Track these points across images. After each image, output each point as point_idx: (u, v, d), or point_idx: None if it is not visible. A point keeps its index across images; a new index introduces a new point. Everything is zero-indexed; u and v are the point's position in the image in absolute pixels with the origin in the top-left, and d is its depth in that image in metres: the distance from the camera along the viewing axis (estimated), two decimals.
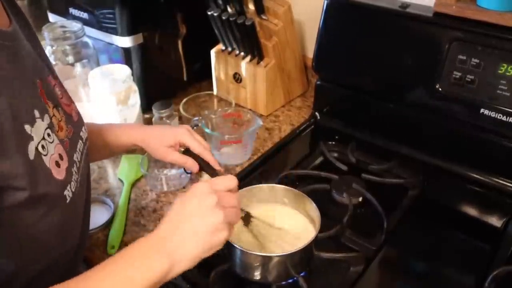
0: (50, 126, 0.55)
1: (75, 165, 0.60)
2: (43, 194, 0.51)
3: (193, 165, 0.78)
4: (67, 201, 0.55)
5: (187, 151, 0.79)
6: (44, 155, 0.52)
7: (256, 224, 0.73)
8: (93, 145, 0.81)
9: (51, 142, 0.54)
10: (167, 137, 0.79)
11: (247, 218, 0.72)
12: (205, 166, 0.78)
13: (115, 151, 0.86)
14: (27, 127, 0.50)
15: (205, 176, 0.66)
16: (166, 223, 0.57)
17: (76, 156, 0.62)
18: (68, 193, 0.55)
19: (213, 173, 0.77)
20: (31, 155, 0.50)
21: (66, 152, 0.58)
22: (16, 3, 0.64)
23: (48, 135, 0.54)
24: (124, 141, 0.82)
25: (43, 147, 0.52)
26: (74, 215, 0.60)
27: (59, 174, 0.54)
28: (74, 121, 0.65)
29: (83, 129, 0.67)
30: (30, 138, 0.50)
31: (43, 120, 0.53)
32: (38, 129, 0.52)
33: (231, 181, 0.62)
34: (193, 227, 0.56)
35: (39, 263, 0.55)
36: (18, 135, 0.49)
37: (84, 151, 0.66)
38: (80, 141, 0.65)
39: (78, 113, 0.68)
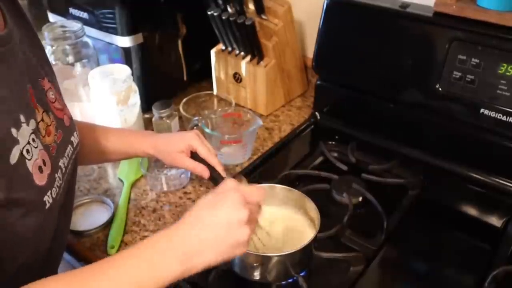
0: (35, 131, 0.55)
1: (60, 171, 0.59)
2: (20, 199, 0.50)
3: (203, 171, 0.78)
4: (46, 207, 0.55)
5: (194, 156, 0.79)
6: (28, 160, 0.52)
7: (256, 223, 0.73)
8: (101, 148, 0.81)
9: (36, 147, 0.54)
10: (177, 142, 0.80)
11: None
12: (211, 170, 0.78)
13: (124, 157, 0.87)
14: (13, 131, 0.50)
15: (244, 180, 0.63)
16: (190, 224, 0.54)
17: (63, 162, 0.61)
18: (48, 199, 0.55)
19: (218, 177, 0.77)
20: (13, 159, 0.49)
21: (50, 158, 0.57)
22: (19, 4, 0.64)
23: (33, 140, 0.53)
24: (137, 148, 0.83)
25: (28, 151, 0.52)
26: (51, 220, 0.59)
27: (40, 180, 0.54)
28: (66, 126, 0.65)
29: (74, 134, 0.67)
30: (16, 141, 0.50)
31: (28, 125, 0.53)
32: (23, 134, 0.52)
33: (262, 194, 0.59)
34: (216, 237, 0.53)
35: (10, 264, 0.54)
36: (2, 138, 0.48)
37: (72, 157, 0.65)
38: (70, 146, 0.65)
39: (71, 118, 0.68)
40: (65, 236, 0.71)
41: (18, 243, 0.53)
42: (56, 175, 0.59)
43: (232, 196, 0.55)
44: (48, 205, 0.55)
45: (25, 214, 0.52)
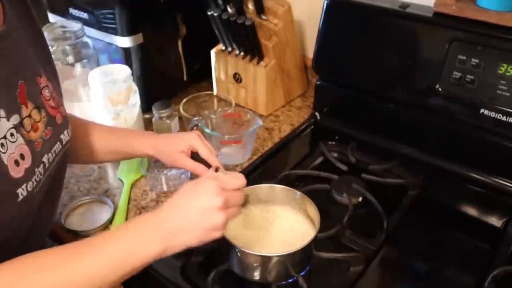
0: (18, 126, 0.56)
1: (42, 165, 0.61)
2: None
3: (204, 171, 0.78)
4: (19, 199, 0.56)
5: (195, 156, 0.79)
6: (3, 153, 0.53)
7: (256, 216, 0.73)
8: (101, 147, 0.82)
9: (13, 142, 0.56)
10: (177, 142, 0.80)
11: (244, 202, 0.72)
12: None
13: (124, 157, 0.87)
14: None
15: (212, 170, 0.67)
16: (170, 209, 0.60)
17: (47, 157, 0.62)
18: (22, 191, 0.56)
19: None
20: None
21: (33, 153, 0.59)
22: (28, 4, 0.66)
23: (12, 134, 0.55)
24: (137, 149, 0.83)
25: (2, 145, 0.53)
26: (27, 212, 0.60)
27: (15, 172, 0.55)
28: (57, 123, 0.66)
29: (65, 132, 0.68)
30: None
31: (8, 120, 0.55)
32: (0, 127, 0.53)
33: (240, 180, 0.64)
34: (193, 221, 0.59)
35: None
36: None
37: (60, 153, 0.67)
38: (58, 143, 0.66)
39: (65, 117, 0.69)
40: (47, 228, 0.73)
41: None
42: (37, 170, 0.60)
43: (208, 184, 0.60)
44: (21, 197, 0.56)
45: None
